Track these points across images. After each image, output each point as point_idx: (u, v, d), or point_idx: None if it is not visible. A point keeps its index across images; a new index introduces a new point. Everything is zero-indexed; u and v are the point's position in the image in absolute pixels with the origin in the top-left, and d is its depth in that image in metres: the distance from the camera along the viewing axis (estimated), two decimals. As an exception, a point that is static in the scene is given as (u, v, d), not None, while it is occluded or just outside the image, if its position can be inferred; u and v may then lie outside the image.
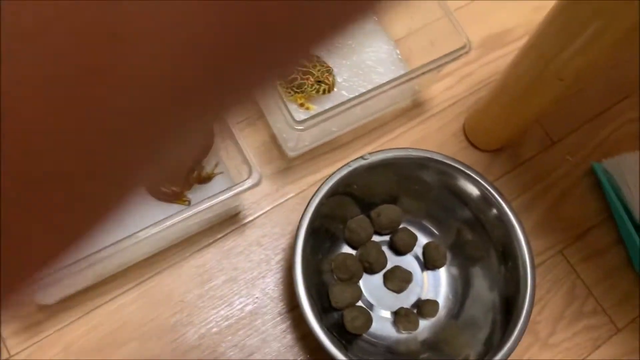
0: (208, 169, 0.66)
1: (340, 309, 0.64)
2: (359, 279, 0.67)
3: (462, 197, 0.65)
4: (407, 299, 0.67)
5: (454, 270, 0.68)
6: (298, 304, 0.58)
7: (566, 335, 0.71)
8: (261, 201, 0.72)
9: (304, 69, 0.70)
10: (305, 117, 0.62)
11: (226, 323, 0.66)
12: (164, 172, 0.17)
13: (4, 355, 0.62)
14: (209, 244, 0.69)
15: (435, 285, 0.68)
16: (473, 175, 0.63)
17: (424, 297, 0.67)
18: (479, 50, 0.82)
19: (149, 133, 0.14)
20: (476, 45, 0.82)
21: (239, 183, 0.58)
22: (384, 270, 0.68)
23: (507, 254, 0.62)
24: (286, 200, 0.72)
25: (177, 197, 0.66)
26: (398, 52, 0.77)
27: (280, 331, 0.66)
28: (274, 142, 0.74)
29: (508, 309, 0.61)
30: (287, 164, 0.74)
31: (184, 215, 0.56)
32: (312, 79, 0.70)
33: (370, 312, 0.65)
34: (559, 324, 0.71)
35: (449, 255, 0.69)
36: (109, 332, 0.64)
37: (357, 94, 0.74)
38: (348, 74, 0.75)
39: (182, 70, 0.13)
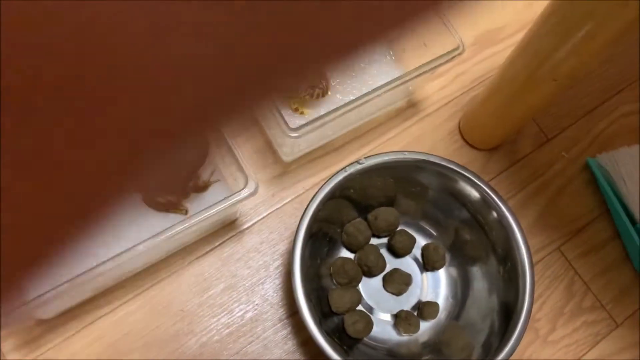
0: (204, 177, 0.66)
1: (340, 313, 0.64)
2: (358, 283, 0.67)
3: (460, 198, 0.65)
4: (407, 302, 0.67)
5: (454, 271, 0.69)
6: (298, 309, 0.58)
7: (566, 332, 0.71)
8: (258, 207, 0.72)
9: (298, 74, 0.69)
10: (301, 123, 0.62)
11: (227, 331, 0.66)
12: (157, 182, 0.17)
13: (5, 370, 0.62)
14: (207, 252, 0.69)
15: (435, 286, 0.68)
16: (470, 177, 0.63)
17: (424, 299, 0.67)
18: (472, 49, 0.82)
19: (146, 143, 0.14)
20: (469, 44, 0.81)
21: (236, 192, 0.58)
22: (383, 273, 0.68)
23: (506, 256, 0.62)
24: (283, 205, 0.72)
25: (174, 207, 0.65)
26: (391, 52, 0.77)
27: (281, 337, 0.66)
28: (269, 147, 0.74)
29: (508, 309, 0.61)
30: (282, 169, 0.73)
31: (182, 226, 0.56)
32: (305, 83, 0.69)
33: (371, 316, 0.65)
34: (559, 321, 0.71)
35: (448, 256, 0.69)
36: (110, 344, 0.64)
37: (351, 96, 0.74)
38: (341, 77, 0.75)
39: (186, 86, 0.13)
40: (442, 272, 0.69)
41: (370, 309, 0.66)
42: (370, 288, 0.67)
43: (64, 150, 0.13)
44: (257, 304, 0.67)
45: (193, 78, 0.13)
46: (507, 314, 0.61)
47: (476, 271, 0.67)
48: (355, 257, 0.68)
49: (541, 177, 0.78)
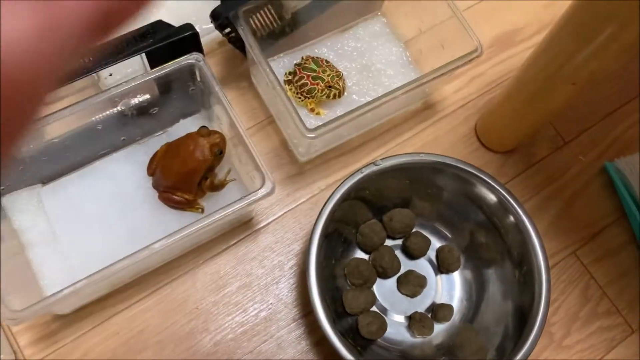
0: (220, 176, 0.66)
1: (354, 314, 0.64)
2: (373, 284, 0.67)
3: (476, 201, 0.65)
4: (421, 303, 0.67)
5: (468, 274, 0.68)
6: (312, 309, 0.58)
7: (581, 337, 0.70)
8: (273, 206, 0.72)
9: (314, 75, 0.70)
10: (317, 124, 0.62)
11: (241, 329, 0.66)
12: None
13: (22, 365, 0.62)
14: (223, 251, 0.69)
15: (450, 289, 0.68)
16: (488, 180, 0.63)
17: (438, 301, 0.67)
18: (489, 50, 0.81)
19: None
20: (486, 45, 0.81)
21: (252, 192, 0.58)
22: (397, 275, 0.68)
23: (522, 259, 0.62)
24: (298, 205, 0.72)
25: (190, 205, 0.66)
26: (408, 54, 0.77)
27: (295, 337, 0.66)
28: (285, 147, 0.74)
29: (523, 314, 0.61)
30: (298, 169, 0.74)
31: (198, 225, 0.56)
32: (322, 84, 0.69)
33: (385, 317, 0.65)
34: (574, 325, 0.71)
35: (462, 259, 0.69)
36: (126, 340, 0.64)
37: (367, 97, 0.74)
38: (357, 78, 0.75)
39: None
40: (456, 275, 0.69)
41: (385, 310, 0.66)
42: (384, 289, 0.67)
43: None
44: (271, 303, 0.67)
45: None
46: (522, 318, 0.61)
47: (491, 274, 0.67)
48: (369, 258, 0.68)
49: (557, 181, 0.77)
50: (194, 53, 0.62)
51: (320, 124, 0.61)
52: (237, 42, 0.69)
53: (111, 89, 0.60)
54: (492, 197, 0.63)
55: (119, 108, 0.64)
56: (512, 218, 0.62)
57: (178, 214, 0.66)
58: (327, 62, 0.72)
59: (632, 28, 0.49)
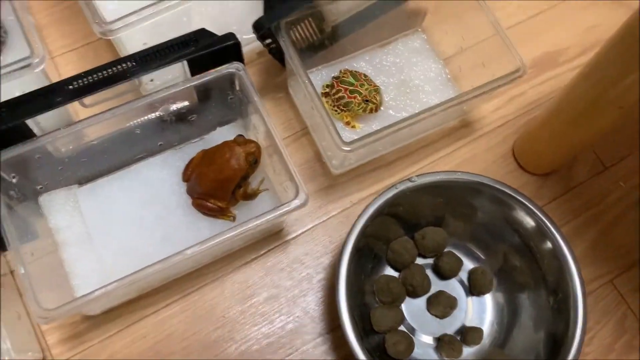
0: (254, 185, 0.66)
1: (381, 332, 0.63)
2: (402, 302, 0.66)
3: (512, 224, 0.63)
4: (450, 325, 0.66)
5: (500, 297, 0.67)
6: (339, 324, 0.57)
7: (615, 369, 0.68)
8: (304, 218, 0.71)
9: (352, 88, 0.69)
10: (353, 137, 0.62)
11: (267, 341, 0.65)
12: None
13: (50, 363, 0.63)
14: (252, 260, 0.69)
15: (480, 312, 0.66)
16: (526, 203, 0.61)
17: (468, 324, 0.66)
18: (531, 70, 0.80)
19: None
20: (528, 65, 0.80)
21: (285, 203, 0.58)
22: (427, 295, 0.66)
23: (557, 286, 0.60)
24: (329, 218, 0.72)
25: (223, 213, 0.66)
26: (447, 71, 0.76)
27: (321, 352, 0.65)
28: (318, 159, 0.74)
29: (556, 342, 0.59)
30: (330, 182, 0.73)
31: (231, 234, 0.56)
32: (359, 98, 0.69)
33: (413, 337, 0.64)
34: (608, 357, 0.68)
35: (495, 281, 0.67)
36: (153, 344, 0.64)
37: (403, 112, 0.73)
38: (395, 93, 0.75)
39: None
40: (488, 297, 0.67)
41: (413, 330, 0.65)
42: (413, 308, 0.66)
43: None
44: (298, 316, 0.67)
45: None
46: (555, 346, 0.59)
47: (524, 299, 0.65)
48: (399, 275, 0.67)
49: (596, 206, 0.75)
50: (235, 62, 0.62)
51: (356, 137, 0.61)
52: (277, 53, 0.69)
53: (152, 94, 0.61)
54: (529, 221, 0.62)
55: (158, 113, 0.64)
56: (549, 244, 0.61)
57: (210, 221, 0.66)
58: (365, 76, 0.72)
59: (686, 54, 0.48)
